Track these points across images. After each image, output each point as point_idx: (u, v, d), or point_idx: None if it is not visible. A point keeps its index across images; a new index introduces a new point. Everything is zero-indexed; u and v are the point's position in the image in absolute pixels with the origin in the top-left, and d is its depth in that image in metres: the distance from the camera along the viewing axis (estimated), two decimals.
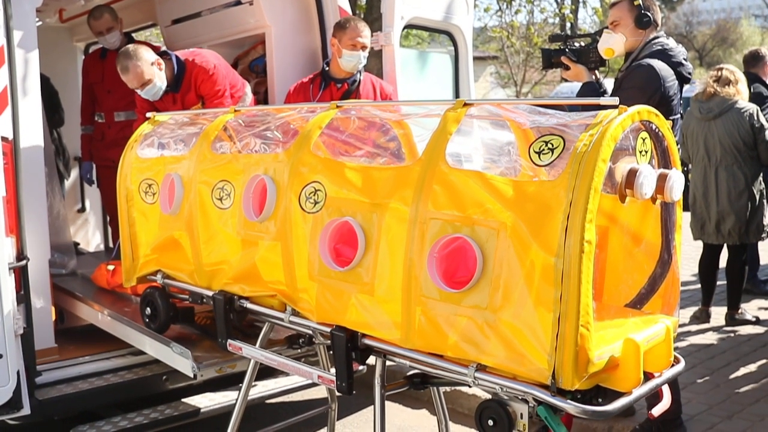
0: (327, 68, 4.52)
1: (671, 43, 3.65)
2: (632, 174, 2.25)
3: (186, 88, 4.58)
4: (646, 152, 2.38)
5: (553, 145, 2.24)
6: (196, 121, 3.55)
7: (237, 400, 3.22)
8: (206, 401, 4.02)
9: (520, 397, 2.30)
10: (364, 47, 4.35)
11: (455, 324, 2.33)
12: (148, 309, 3.54)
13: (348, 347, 2.62)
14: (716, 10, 49.33)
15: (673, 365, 2.46)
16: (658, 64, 3.51)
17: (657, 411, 2.52)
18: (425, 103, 2.92)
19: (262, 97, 5.28)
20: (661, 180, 2.36)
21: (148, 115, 3.74)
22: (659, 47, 3.60)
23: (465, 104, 2.55)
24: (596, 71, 3.79)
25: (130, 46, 4.35)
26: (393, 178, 2.54)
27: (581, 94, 3.75)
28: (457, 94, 5.44)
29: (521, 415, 2.44)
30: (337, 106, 2.94)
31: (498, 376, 2.28)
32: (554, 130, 2.29)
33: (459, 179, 2.37)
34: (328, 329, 2.69)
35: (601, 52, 3.72)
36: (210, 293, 3.19)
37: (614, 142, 2.17)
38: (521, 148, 2.66)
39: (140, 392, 3.90)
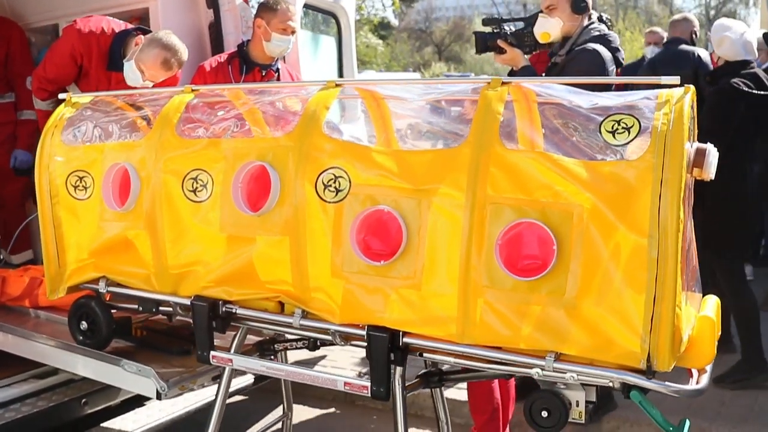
0: (245, 50, 4.13)
1: (605, 28, 3.78)
2: (701, 153, 2.26)
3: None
4: (691, 130, 2.42)
5: (627, 125, 2.19)
6: (137, 102, 3.06)
7: (212, 418, 2.83)
8: (131, 424, 3.53)
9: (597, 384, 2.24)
10: (293, 31, 4.03)
11: (528, 314, 2.21)
12: (84, 323, 3.01)
13: (388, 348, 2.41)
14: (448, 7, 52.63)
15: None
16: (602, 50, 3.61)
17: None
18: (452, 81, 2.74)
19: None
20: None
21: (63, 96, 3.15)
22: (598, 33, 3.71)
23: (503, 83, 2.43)
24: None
25: (175, 39, 3.70)
26: (437, 162, 2.36)
27: None
28: (340, 76, 5.28)
29: (577, 403, 2.39)
30: (337, 85, 2.67)
31: (576, 364, 2.20)
32: (621, 109, 2.25)
33: (521, 161, 2.25)
34: (357, 330, 2.45)
35: (537, 36, 3.76)
36: (179, 300, 2.78)
37: (689, 121, 2.17)
38: (522, 126, 2.60)
39: (58, 421, 3.32)
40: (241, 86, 3.36)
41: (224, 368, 2.85)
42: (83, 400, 3.37)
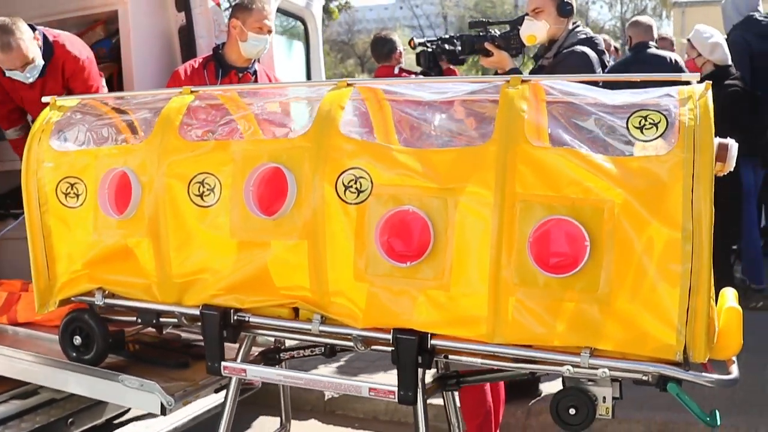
0: (221, 53, 4.02)
1: (590, 31, 3.83)
2: (723, 148, 2.29)
3: (51, 73, 3.86)
4: None
5: (654, 120, 2.21)
6: (123, 106, 2.94)
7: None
8: None
9: (636, 378, 2.24)
10: (269, 30, 3.95)
11: (561, 311, 2.20)
12: (78, 338, 2.85)
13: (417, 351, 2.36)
14: (369, 20, 53.05)
15: None
16: (590, 52, 3.66)
17: None
18: (469, 80, 2.71)
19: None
20: None
21: (46, 99, 3.00)
22: (584, 35, 3.76)
23: (523, 81, 2.42)
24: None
25: (5, 18, 3.51)
26: (462, 161, 2.33)
27: None
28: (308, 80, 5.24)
29: (603, 398, 2.39)
30: (348, 84, 2.61)
31: (609, 359, 2.20)
32: (647, 105, 2.27)
33: (548, 158, 2.24)
34: (382, 334, 2.40)
35: (524, 38, 3.78)
36: (185, 310, 2.67)
37: (713, 116, 2.20)
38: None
39: None
40: (245, 87, 3.27)
41: (230, 379, 2.76)
42: (69, 420, 3.20)
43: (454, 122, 2.76)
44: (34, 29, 3.74)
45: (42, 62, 3.78)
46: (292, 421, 4.66)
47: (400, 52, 6.17)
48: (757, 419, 3.90)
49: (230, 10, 4.11)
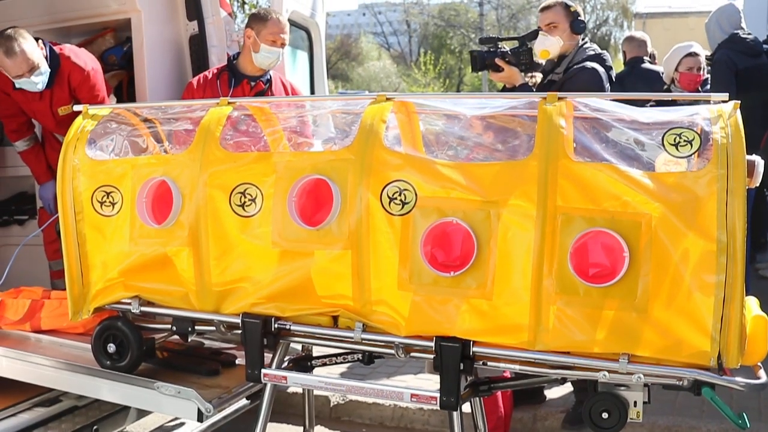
0: (234, 62, 4.07)
1: (598, 47, 3.96)
2: (751, 164, 2.41)
3: (59, 83, 3.93)
4: None
5: (688, 138, 2.33)
6: (152, 116, 2.98)
7: None
8: None
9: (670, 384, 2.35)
10: (283, 44, 4.00)
11: (601, 319, 2.31)
12: (112, 345, 2.88)
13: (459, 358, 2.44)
14: (332, 26, 53.09)
15: None
16: (600, 68, 3.78)
17: None
18: (506, 96, 2.80)
19: (111, 92, 4.59)
20: None
21: (78, 108, 3.03)
22: (592, 52, 3.88)
23: (559, 98, 2.52)
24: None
25: (8, 28, 3.57)
26: (505, 175, 2.42)
27: None
28: (312, 91, 5.30)
29: (635, 403, 2.50)
30: (387, 99, 2.69)
31: (645, 365, 2.31)
32: (681, 123, 2.39)
33: (588, 172, 2.35)
34: (425, 342, 2.48)
35: (537, 53, 3.90)
36: (224, 318, 2.72)
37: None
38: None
39: None
40: (282, 99, 3.32)
41: (264, 387, 2.81)
42: (95, 427, 3.21)
43: (474, 135, 2.86)
44: (37, 40, 3.82)
45: (48, 69, 3.86)
46: (298, 428, 4.74)
47: None
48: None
49: (246, 20, 4.16)
